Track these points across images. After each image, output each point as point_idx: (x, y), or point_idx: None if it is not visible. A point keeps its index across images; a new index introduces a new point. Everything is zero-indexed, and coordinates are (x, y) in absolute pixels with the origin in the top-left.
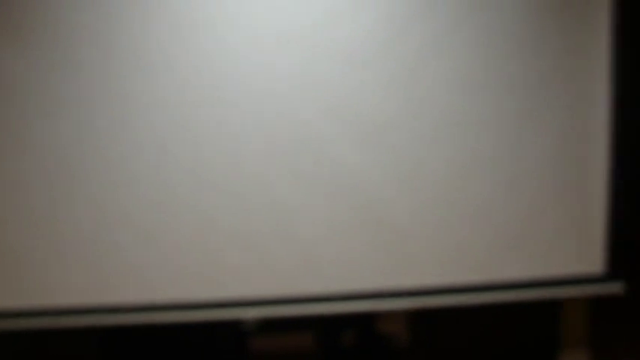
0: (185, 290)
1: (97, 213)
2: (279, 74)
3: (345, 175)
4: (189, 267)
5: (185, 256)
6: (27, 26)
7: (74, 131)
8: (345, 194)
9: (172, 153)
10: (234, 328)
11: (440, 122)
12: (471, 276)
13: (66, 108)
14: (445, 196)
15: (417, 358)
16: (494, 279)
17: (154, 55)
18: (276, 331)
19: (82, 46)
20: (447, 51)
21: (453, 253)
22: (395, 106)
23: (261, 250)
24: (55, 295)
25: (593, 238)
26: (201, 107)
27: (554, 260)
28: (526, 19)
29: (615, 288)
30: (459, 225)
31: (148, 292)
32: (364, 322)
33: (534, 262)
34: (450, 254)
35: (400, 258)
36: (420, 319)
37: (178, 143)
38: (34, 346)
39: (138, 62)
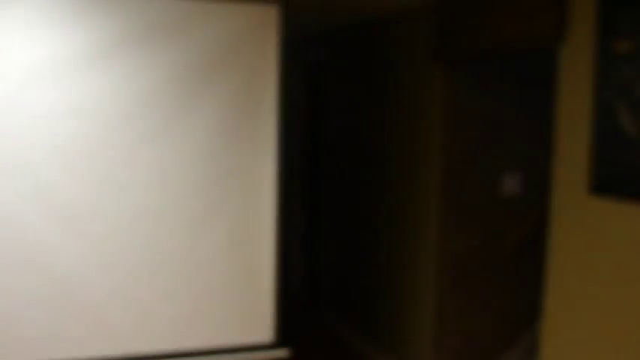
0: None
1: None
2: None
3: (46, 255)
4: None
5: None
6: None
7: None
8: (44, 271)
9: None
10: None
11: (135, 214)
12: (157, 345)
13: None
14: (136, 275)
15: None
16: (177, 348)
17: None
18: None
19: None
20: (147, 153)
21: (141, 325)
22: (94, 198)
23: None
24: None
25: (263, 313)
26: None
27: (229, 332)
28: (216, 135)
29: (282, 353)
30: (149, 300)
31: None
32: None
33: (212, 334)
34: (139, 326)
35: (94, 329)
36: None
37: None
38: None
39: None
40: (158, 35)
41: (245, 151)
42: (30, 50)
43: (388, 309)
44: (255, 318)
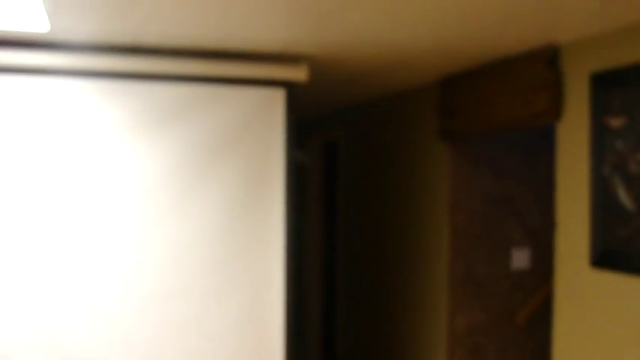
0: None
1: None
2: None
3: (59, 336)
4: None
5: None
6: None
7: None
8: (56, 352)
9: None
10: None
11: (150, 293)
12: None
13: None
14: (146, 356)
15: None
16: None
17: None
18: None
19: None
20: (159, 233)
21: None
22: (106, 278)
23: None
24: None
25: None
26: None
27: None
28: (226, 215)
29: None
30: None
31: None
32: None
33: None
34: None
35: None
36: None
37: None
38: None
39: None
40: (168, 118)
41: (255, 230)
42: (39, 130)
43: None
44: None
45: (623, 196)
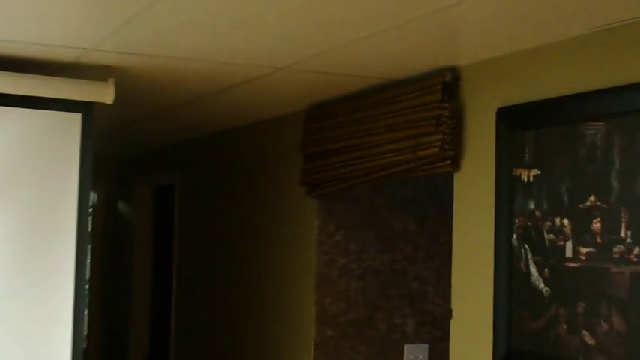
0: None
1: None
2: None
3: None
4: None
5: None
6: None
7: None
8: None
9: None
10: None
11: None
12: None
13: None
14: None
15: None
16: None
17: None
18: None
19: None
20: None
21: None
22: None
23: None
24: None
25: None
26: None
27: None
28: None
29: None
30: None
31: None
32: None
33: None
34: None
35: None
36: None
37: None
38: None
39: None
40: None
41: (39, 287)
42: None
43: None
44: None
45: (535, 275)
